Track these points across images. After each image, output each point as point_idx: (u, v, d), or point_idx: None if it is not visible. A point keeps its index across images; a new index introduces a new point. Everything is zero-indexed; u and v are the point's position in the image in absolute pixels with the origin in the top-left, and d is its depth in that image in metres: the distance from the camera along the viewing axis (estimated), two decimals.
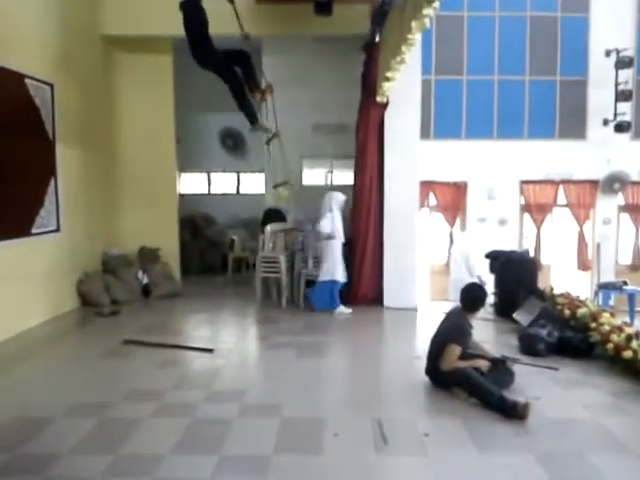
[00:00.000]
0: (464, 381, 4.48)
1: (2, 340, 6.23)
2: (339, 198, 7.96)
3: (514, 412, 4.09)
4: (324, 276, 7.79)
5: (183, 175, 13.21)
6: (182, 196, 11.39)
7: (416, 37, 5.39)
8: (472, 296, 4.88)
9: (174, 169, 9.71)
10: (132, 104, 9.26)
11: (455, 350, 4.60)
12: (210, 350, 5.89)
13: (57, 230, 7.46)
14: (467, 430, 3.95)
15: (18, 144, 6.65)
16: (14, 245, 6.55)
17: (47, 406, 4.41)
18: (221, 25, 6.29)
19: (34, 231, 6.98)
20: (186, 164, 12.53)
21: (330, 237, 7.75)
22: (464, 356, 4.70)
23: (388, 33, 6.77)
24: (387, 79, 6.93)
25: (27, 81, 6.78)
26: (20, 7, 6.70)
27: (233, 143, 13.70)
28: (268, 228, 8.71)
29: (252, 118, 6.82)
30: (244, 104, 6.59)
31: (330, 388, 4.84)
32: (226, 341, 6.53)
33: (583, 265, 11.97)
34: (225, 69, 6.35)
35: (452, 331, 4.75)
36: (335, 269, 7.77)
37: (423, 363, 4.94)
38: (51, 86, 7.27)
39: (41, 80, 7.07)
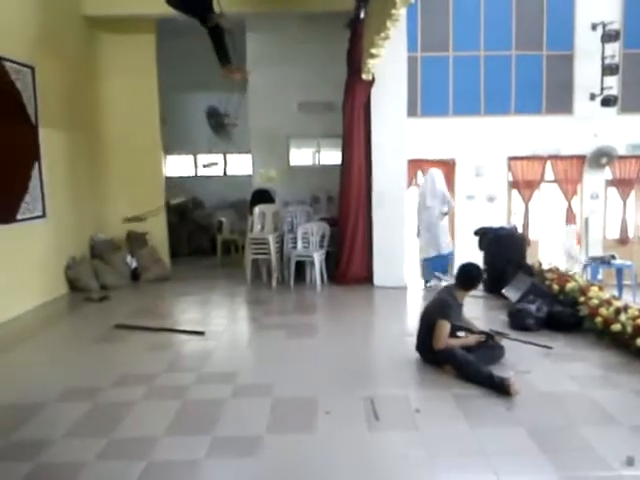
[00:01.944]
0: (452, 359, 4.51)
1: None
2: (442, 175, 8.46)
3: (502, 389, 4.13)
4: (446, 249, 8.25)
5: (169, 157, 13.07)
6: (169, 179, 11.29)
7: (400, 12, 5.33)
8: (468, 275, 4.89)
9: (160, 151, 9.58)
10: (116, 85, 9.12)
11: (444, 326, 4.61)
12: (201, 333, 5.89)
13: (43, 216, 7.38)
14: (458, 405, 3.98)
15: None
16: None
17: (39, 391, 4.40)
18: None
19: (19, 217, 6.90)
20: (172, 146, 12.39)
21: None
22: (453, 331, 4.73)
23: (373, 9, 6.70)
24: (372, 56, 6.86)
25: (7, 64, 6.65)
26: None
27: (216, 123, 13.50)
28: (256, 209, 8.66)
29: (225, 58, 6.71)
30: (221, 43, 6.51)
31: (321, 367, 4.85)
32: (217, 323, 6.52)
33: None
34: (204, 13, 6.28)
35: (437, 307, 4.79)
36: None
37: (414, 340, 4.97)
38: (32, 69, 7.14)
39: (22, 63, 6.93)
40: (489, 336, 4.82)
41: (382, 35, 6.06)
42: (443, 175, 8.51)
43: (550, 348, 5.02)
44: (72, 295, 7.88)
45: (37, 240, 7.30)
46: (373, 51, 6.73)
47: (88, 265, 8.21)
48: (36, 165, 7.25)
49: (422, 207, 8.26)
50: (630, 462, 3.15)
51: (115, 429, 3.72)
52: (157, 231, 9.42)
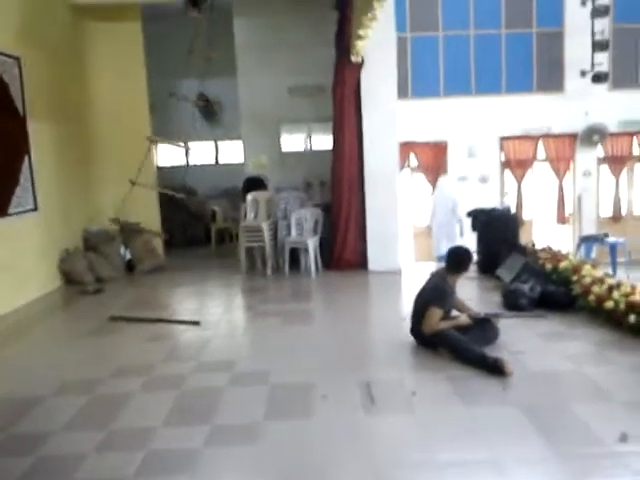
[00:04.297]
0: (445, 342, 4.54)
1: None
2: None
3: (496, 369, 4.16)
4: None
5: (160, 146, 12.96)
6: (160, 169, 11.21)
7: None
8: (457, 259, 4.89)
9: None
10: (104, 74, 9.00)
11: (436, 313, 4.63)
12: (197, 322, 5.89)
13: (35, 209, 7.34)
14: (453, 387, 4.01)
15: None
16: None
17: (37, 385, 4.41)
18: None
19: (11, 211, 6.86)
20: (162, 134, 12.27)
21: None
22: (447, 315, 4.75)
23: None
24: (360, 37, 6.80)
25: None
26: None
27: (205, 109, 13.33)
28: (249, 197, 8.64)
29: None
30: None
31: (317, 353, 4.87)
32: (213, 312, 6.53)
33: (561, 218, 12.07)
34: None
35: (432, 293, 4.78)
36: None
37: (408, 324, 4.99)
38: (18, 60, 7.05)
39: (7, 54, 6.85)
40: (485, 320, 4.85)
41: (369, 16, 6.01)
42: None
43: (543, 317, 5.08)
44: (67, 288, 7.86)
45: (30, 233, 7.26)
46: (361, 32, 6.66)
47: (82, 257, 8.18)
48: (26, 158, 7.20)
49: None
50: (623, 438, 3.19)
51: (114, 420, 3.74)
52: (150, 222, 9.34)
